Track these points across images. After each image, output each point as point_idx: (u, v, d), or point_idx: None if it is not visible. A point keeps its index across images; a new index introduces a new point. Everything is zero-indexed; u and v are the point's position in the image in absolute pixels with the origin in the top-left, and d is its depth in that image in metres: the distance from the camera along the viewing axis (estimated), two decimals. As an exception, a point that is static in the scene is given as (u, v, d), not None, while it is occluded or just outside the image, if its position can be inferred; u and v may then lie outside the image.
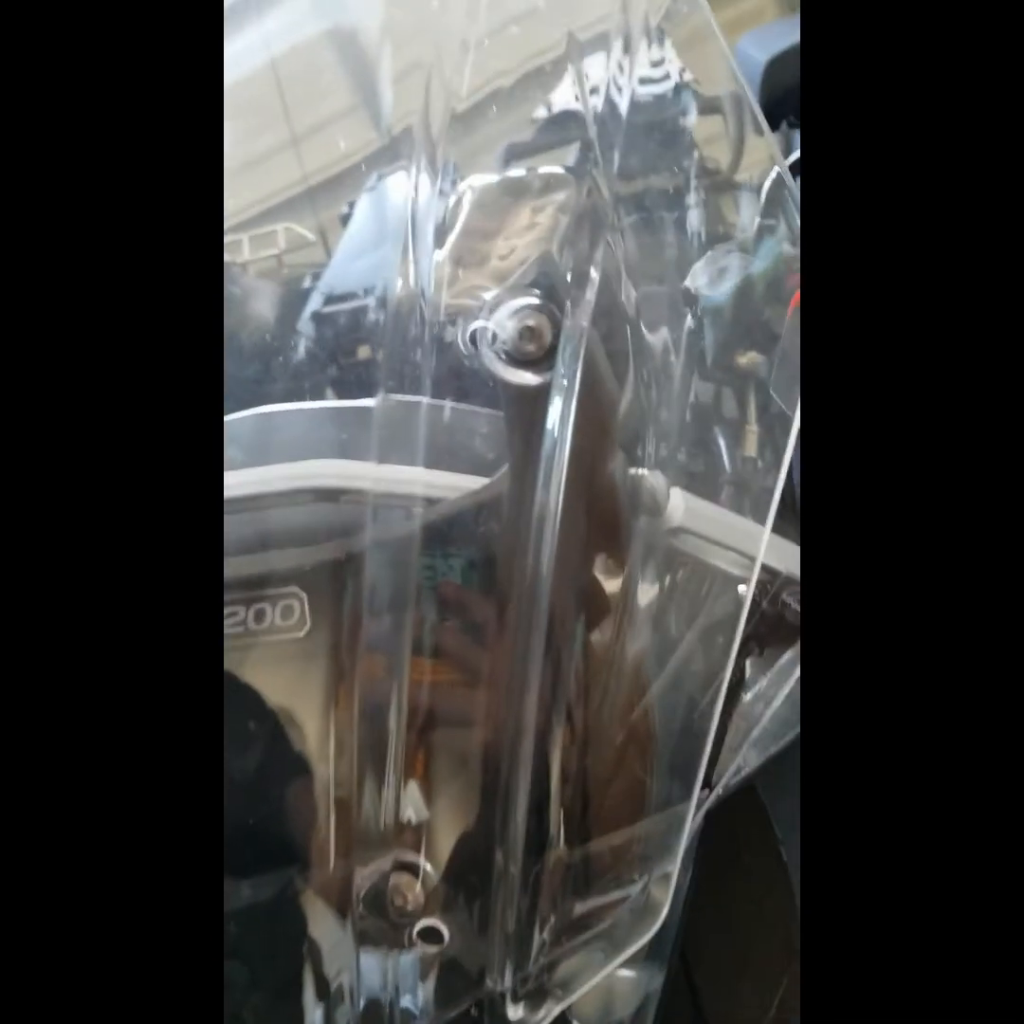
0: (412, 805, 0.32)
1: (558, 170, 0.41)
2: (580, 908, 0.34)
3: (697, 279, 0.41)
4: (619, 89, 0.36)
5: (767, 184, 0.72)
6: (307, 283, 0.36)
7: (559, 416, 0.32)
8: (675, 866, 0.31)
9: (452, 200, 0.38)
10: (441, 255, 0.35)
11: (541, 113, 0.40)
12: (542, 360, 0.32)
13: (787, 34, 1.21)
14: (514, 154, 0.39)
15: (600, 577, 0.35)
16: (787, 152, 0.96)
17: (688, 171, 0.47)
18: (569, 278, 0.32)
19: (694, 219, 0.46)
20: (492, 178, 0.38)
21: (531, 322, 0.31)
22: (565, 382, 0.31)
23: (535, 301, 0.32)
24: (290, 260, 0.38)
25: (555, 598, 0.32)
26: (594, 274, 0.32)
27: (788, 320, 0.36)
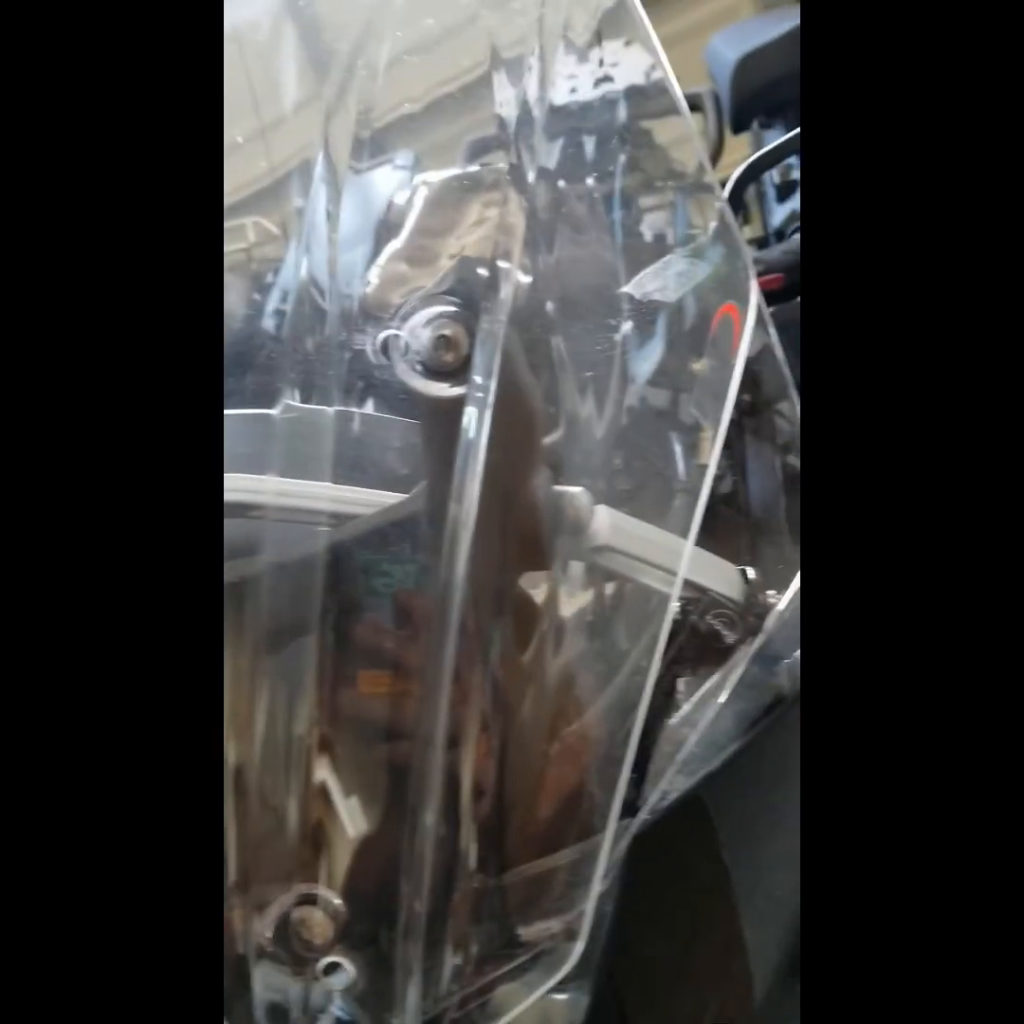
0: (319, 831, 0.31)
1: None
2: (503, 936, 0.33)
3: (648, 284, 0.40)
4: (544, 91, 0.34)
5: (727, 188, 0.71)
6: (270, 279, 0.35)
7: (475, 428, 0.30)
8: (590, 902, 0.30)
9: (404, 197, 0.37)
10: (384, 255, 0.34)
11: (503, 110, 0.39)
12: (459, 371, 0.30)
13: (759, 32, 1.20)
14: (478, 150, 0.38)
15: (527, 592, 0.34)
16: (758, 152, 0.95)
17: (646, 173, 0.46)
18: (486, 279, 0.31)
19: (649, 222, 0.45)
20: (444, 173, 0.37)
21: (447, 331, 0.30)
22: (480, 394, 0.30)
23: (451, 309, 0.30)
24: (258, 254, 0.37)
25: (470, 614, 0.31)
26: (511, 275, 0.31)
27: (711, 336, 0.35)
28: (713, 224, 0.65)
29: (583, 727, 0.33)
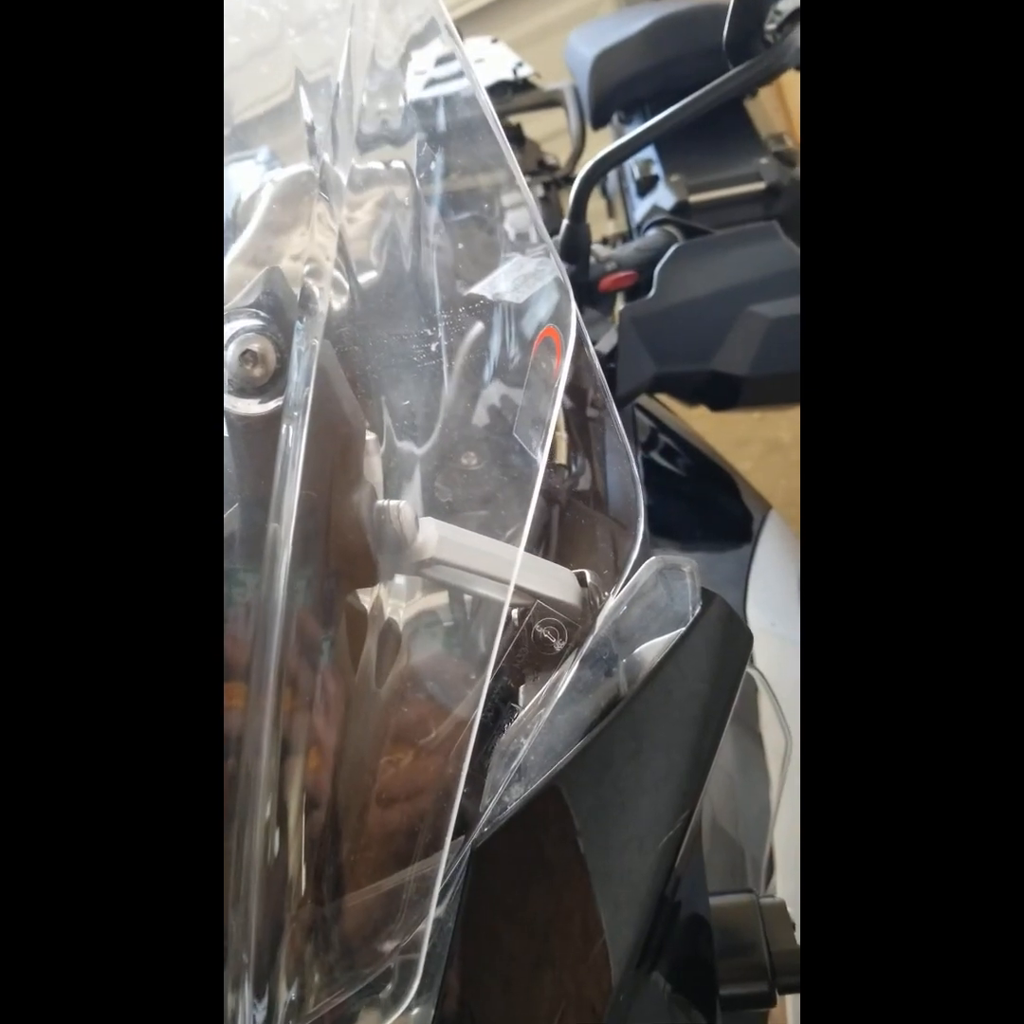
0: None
1: (377, 165, 0.39)
2: (345, 962, 0.32)
3: (499, 284, 0.40)
4: (351, 104, 0.34)
5: (576, 184, 0.71)
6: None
7: (291, 445, 0.29)
8: (428, 922, 0.30)
9: (246, 196, 0.36)
10: (231, 254, 0.33)
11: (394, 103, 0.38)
12: (268, 386, 0.29)
13: (616, 29, 1.21)
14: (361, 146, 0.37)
15: (358, 606, 0.33)
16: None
17: (505, 171, 0.45)
18: (301, 293, 0.30)
19: (502, 222, 0.44)
20: (293, 170, 0.35)
21: (254, 346, 0.29)
22: (296, 412, 0.29)
23: (257, 323, 0.29)
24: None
25: (298, 630, 0.30)
26: (324, 290, 0.30)
27: (532, 358, 0.35)
28: (566, 221, 0.65)
29: (419, 743, 0.32)
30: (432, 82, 0.41)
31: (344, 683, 0.32)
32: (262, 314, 0.29)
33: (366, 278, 0.34)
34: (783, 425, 1.70)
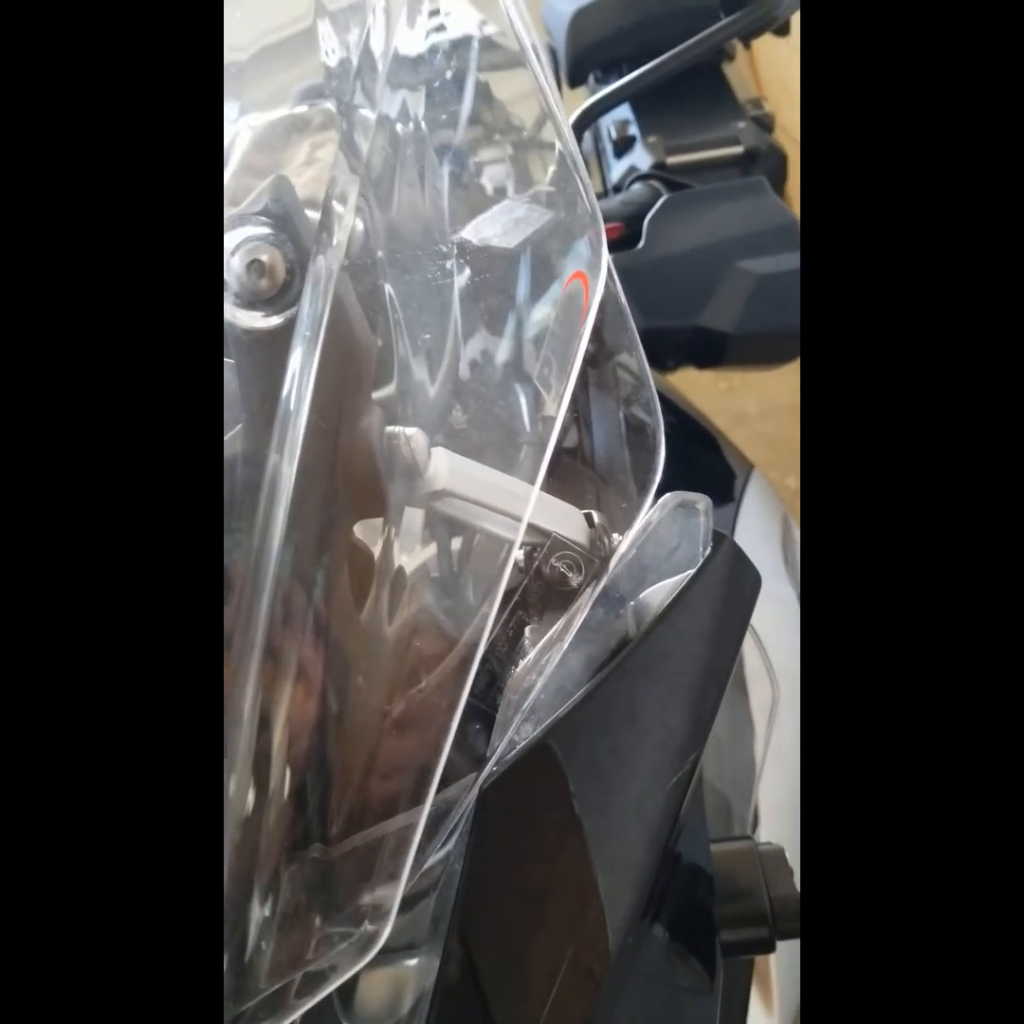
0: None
1: (383, 108, 0.37)
2: (346, 906, 0.31)
3: (484, 230, 0.39)
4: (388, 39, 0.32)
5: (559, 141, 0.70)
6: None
7: (300, 366, 0.28)
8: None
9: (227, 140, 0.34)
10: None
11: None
12: (276, 298, 0.28)
13: (594, -15, 1.19)
14: (309, 96, 0.35)
15: (363, 544, 0.31)
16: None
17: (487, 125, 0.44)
18: (317, 219, 0.28)
19: (489, 174, 0.43)
20: (270, 115, 0.34)
21: (263, 256, 0.27)
22: (307, 332, 0.28)
23: (265, 231, 0.28)
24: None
25: (293, 570, 0.28)
26: (344, 215, 0.29)
27: (561, 298, 0.34)
28: (552, 169, 0.64)
29: (426, 684, 0.31)
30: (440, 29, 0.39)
31: (346, 626, 0.30)
32: (270, 222, 0.28)
33: (382, 211, 0.32)
34: (749, 397, 1.70)
